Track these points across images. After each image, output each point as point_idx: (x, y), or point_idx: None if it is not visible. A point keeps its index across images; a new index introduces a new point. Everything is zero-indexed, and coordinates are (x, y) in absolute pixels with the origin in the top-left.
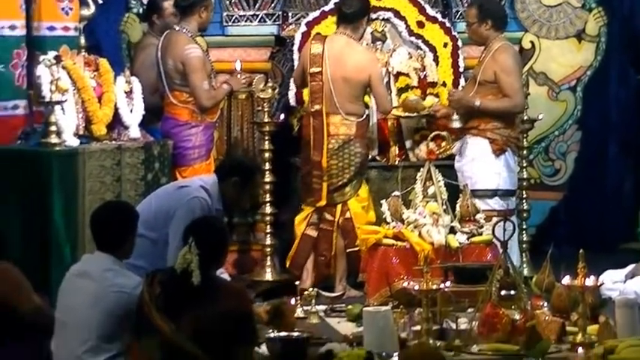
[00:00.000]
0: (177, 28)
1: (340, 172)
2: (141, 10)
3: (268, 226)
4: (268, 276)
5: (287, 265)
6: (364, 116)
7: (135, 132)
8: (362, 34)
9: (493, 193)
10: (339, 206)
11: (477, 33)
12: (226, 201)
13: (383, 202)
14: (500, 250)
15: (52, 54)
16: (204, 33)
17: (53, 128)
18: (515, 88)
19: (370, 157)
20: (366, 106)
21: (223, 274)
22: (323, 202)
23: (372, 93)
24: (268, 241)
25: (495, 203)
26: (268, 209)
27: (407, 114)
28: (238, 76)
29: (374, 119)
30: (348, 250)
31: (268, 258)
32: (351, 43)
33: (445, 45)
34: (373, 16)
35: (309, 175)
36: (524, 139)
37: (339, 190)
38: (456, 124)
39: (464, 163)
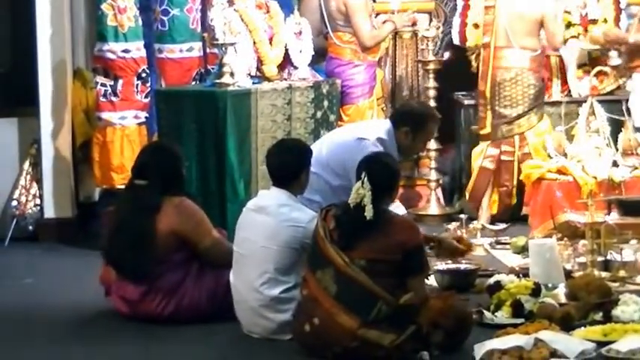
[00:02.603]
0: None
1: (514, 103)
2: None
3: (433, 162)
4: (433, 210)
5: (467, 198)
6: (538, 51)
7: (304, 72)
8: None
9: None
10: (516, 137)
11: None
12: (400, 148)
13: (546, 136)
14: None
15: None
16: None
17: (227, 69)
18: None
19: None
20: None
21: (399, 207)
22: (487, 130)
23: (544, 29)
24: (433, 176)
25: None
26: (433, 145)
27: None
28: (401, 14)
29: None
30: None
31: (433, 192)
32: None
33: None
34: None
35: (478, 105)
36: None
37: (516, 122)
38: (615, 62)
39: (632, 99)
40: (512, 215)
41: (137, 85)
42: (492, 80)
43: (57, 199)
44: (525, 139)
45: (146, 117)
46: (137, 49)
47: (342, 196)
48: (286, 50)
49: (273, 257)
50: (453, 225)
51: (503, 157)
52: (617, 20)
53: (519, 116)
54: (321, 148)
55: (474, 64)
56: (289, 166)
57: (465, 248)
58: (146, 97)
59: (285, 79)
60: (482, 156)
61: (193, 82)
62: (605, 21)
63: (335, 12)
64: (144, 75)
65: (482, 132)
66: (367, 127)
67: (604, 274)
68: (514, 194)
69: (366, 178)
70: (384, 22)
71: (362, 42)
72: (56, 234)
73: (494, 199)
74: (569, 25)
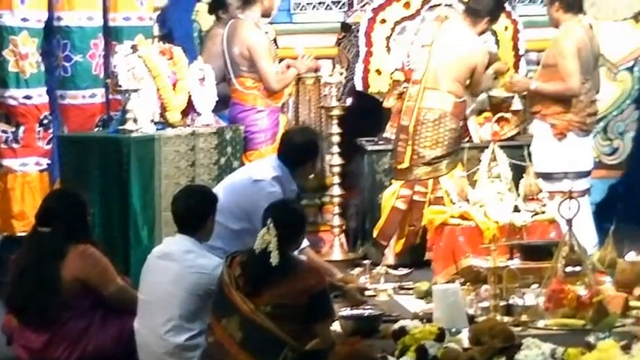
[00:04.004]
0: (241, 17)
1: (434, 144)
2: None
3: (336, 207)
4: (337, 255)
5: (375, 236)
6: (462, 98)
7: (208, 118)
8: (479, 32)
9: (563, 176)
10: (431, 180)
11: (549, 15)
12: (302, 179)
13: (448, 182)
14: (564, 228)
15: (128, 43)
16: (272, 21)
17: (130, 115)
18: (569, 71)
19: None
20: None
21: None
22: (406, 165)
23: (471, 78)
24: (336, 222)
25: (564, 185)
26: (336, 191)
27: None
28: (304, 59)
29: None
30: None
31: (336, 238)
32: (468, 30)
33: (506, 28)
34: (437, 1)
35: (397, 139)
36: None
37: (434, 165)
38: (517, 106)
39: (533, 145)
40: (415, 260)
41: (39, 131)
42: (417, 118)
43: None
44: (439, 182)
45: (48, 163)
46: (39, 96)
47: (246, 240)
48: (190, 96)
49: (178, 304)
50: (356, 271)
51: (415, 197)
52: (516, 66)
53: (437, 159)
54: (219, 193)
55: (390, 103)
56: (195, 212)
57: (365, 299)
58: (48, 143)
59: (189, 126)
60: (394, 196)
61: (96, 129)
62: None
63: (238, 57)
64: (46, 121)
65: (400, 167)
66: (260, 167)
67: (507, 318)
68: (419, 234)
69: (272, 224)
70: (288, 66)
71: (269, 85)
72: None
73: (400, 238)
74: None
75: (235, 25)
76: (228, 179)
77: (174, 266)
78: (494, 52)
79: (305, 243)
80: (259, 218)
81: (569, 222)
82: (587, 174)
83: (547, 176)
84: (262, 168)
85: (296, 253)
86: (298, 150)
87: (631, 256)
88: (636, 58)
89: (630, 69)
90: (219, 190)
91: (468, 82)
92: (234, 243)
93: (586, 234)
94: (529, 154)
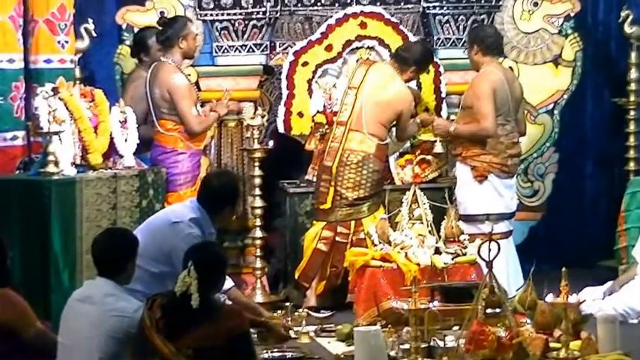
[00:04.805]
0: (163, 60)
1: (357, 186)
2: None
3: (258, 250)
4: (259, 298)
5: (296, 277)
6: (386, 141)
7: (129, 160)
8: (406, 79)
9: (485, 218)
10: (353, 222)
11: (469, 58)
12: (219, 225)
13: (370, 224)
14: (484, 270)
15: (49, 86)
16: (194, 63)
17: (51, 158)
18: (483, 112)
19: None
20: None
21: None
22: (328, 205)
23: (397, 122)
24: (258, 264)
25: (486, 227)
26: (258, 233)
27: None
28: (225, 101)
29: None
30: None
31: (258, 280)
32: (395, 75)
33: (428, 71)
34: (358, 44)
35: (319, 180)
36: None
37: (356, 207)
38: (438, 149)
39: (456, 187)
40: (337, 302)
41: None
42: (340, 159)
43: None
44: (362, 224)
45: None
46: None
47: (166, 283)
48: (111, 138)
49: (97, 347)
50: (278, 313)
51: (337, 239)
52: (437, 109)
53: (359, 200)
54: (137, 237)
55: (312, 145)
56: (115, 255)
57: (289, 336)
58: None
59: (110, 168)
60: (316, 238)
61: (17, 171)
62: (427, 110)
63: (159, 99)
64: None
65: (322, 207)
66: (178, 209)
67: None
68: (341, 276)
69: (192, 267)
70: (209, 110)
71: (189, 127)
72: None
73: (322, 280)
74: None
75: (158, 68)
76: (147, 222)
77: (94, 309)
78: (416, 90)
79: (230, 283)
80: (179, 260)
81: (489, 264)
82: (510, 216)
83: (469, 218)
84: (180, 210)
85: (221, 294)
86: (217, 194)
87: (550, 297)
88: (556, 102)
89: (550, 112)
90: (137, 233)
91: (393, 125)
92: (154, 286)
93: (511, 276)
94: (450, 196)
